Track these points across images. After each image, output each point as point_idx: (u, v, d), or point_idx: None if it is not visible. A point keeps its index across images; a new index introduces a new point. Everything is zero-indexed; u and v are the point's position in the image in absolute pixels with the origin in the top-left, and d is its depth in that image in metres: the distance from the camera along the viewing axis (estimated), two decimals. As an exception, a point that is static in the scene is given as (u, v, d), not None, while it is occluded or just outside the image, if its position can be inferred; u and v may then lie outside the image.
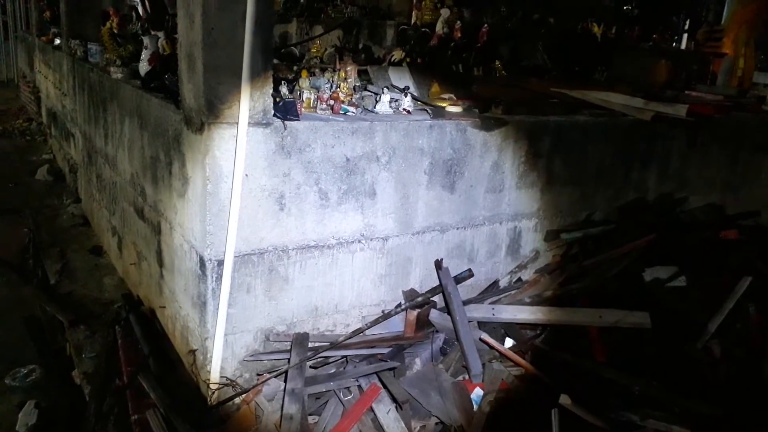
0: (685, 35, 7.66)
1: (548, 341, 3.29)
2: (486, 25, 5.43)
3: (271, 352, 3.03)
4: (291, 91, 3.26)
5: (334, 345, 3.04)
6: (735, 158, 4.64)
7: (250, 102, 2.65)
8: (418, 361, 3.11)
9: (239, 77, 2.64)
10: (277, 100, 2.91)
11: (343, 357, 3.13)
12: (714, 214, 4.43)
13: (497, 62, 5.29)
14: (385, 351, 3.12)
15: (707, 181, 4.54)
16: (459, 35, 5.40)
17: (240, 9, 2.58)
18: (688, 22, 7.62)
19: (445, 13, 5.65)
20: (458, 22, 5.55)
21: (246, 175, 2.72)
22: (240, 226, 2.76)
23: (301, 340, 3.02)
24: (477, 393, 2.95)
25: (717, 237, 3.86)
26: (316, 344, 3.08)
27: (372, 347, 3.13)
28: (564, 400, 2.68)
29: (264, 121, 2.75)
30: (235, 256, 2.78)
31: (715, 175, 4.57)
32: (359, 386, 2.92)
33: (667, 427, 2.60)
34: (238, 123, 2.66)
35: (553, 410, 2.68)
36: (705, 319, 3.17)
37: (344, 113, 3.20)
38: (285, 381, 2.84)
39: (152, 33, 4.13)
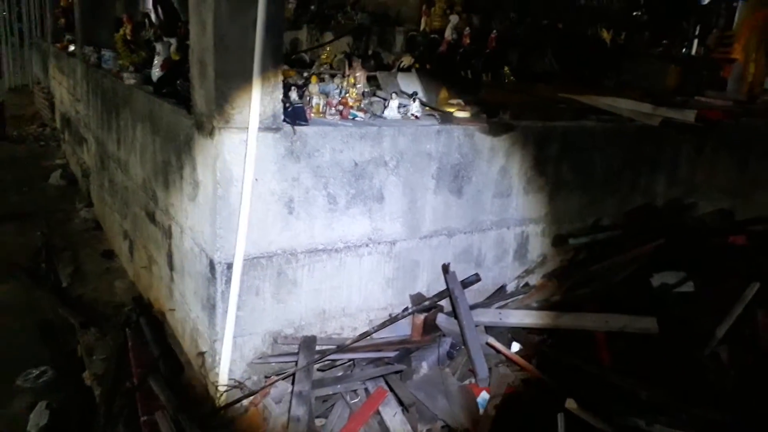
0: (695, 41, 7.64)
1: (555, 346, 3.29)
2: (495, 31, 5.46)
3: (279, 355, 3.06)
4: (300, 97, 3.30)
5: (342, 348, 3.06)
6: (744, 164, 4.63)
7: (260, 107, 2.69)
8: (424, 364, 3.12)
9: (250, 83, 2.68)
10: (287, 105, 2.95)
11: (350, 360, 3.15)
12: (723, 220, 4.42)
13: (506, 68, 5.32)
14: (392, 354, 3.14)
15: (716, 187, 4.52)
16: (468, 41, 5.44)
17: (251, 16, 2.62)
18: (698, 28, 7.60)
19: (454, 19, 5.69)
20: (467, 28, 5.59)
21: (256, 179, 2.76)
22: (249, 229, 2.80)
23: (308, 343, 3.04)
24: (483, 397, 2.96)
25: (726, 243, 3.85)
26: (324, 347, 3.10)
27: (379, 351, 3.15)
28: (570, 404, 2.68)
29: (274, 126, 2.79)
30: (244, 260, 2.81)
31: (724, 180, 4.56)
32: (366, 389, 2.94)
33: (673, 432, 2.60)
34: (248, 128, 2.70)
35: (558, 414, 2.68)
36: (713, 325, 3.15)
37: (353, 118, 3.23)
38: (292, 383, 2.86)
39: (164, 39, 4.20)
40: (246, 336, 2.95)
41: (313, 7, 7.99)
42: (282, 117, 2.84)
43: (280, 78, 2.80)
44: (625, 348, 3.15)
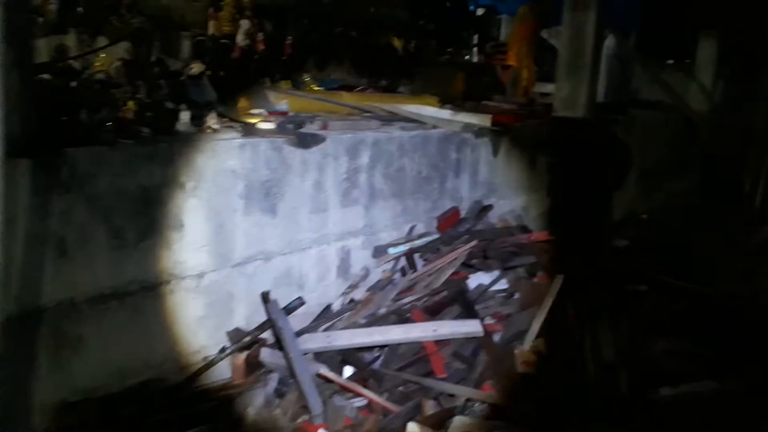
0: (475, 49, 8.22)
1: (387, 363, 3.14)
2: (290, 37, 5.24)
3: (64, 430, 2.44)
4: (69, 112, 2.71)
5: (146, 410, 2.55)
6: (533, 162, 4.99)
7: (4, 128, 2.08)
8: (250, 410, 2.75)
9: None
10: (48, 123, 2.37)
11: (159, 422, 2.64)
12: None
13: (306, 75, 5.12)
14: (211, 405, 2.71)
15: (511, 186, 4.80)
16: (262, 47, 5.14)
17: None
18: (476, 37, 8.19)
19: (245, 24, 5.35)
20: (260, 33, 5.28)
21: (7, 219, 2.14)
22: (5, 282, 2.17)
23: (99, 409, 2.48)
24: (320, 435, 2.68)
25: (529, 240, 4.07)
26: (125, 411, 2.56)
27: (193, 404, 2.70)
28: (411, 428, 2.53)
29: (29, 150, 2.20)
30: (1, 321, 2.17)
31: (517, 179, 4.85)
32: (181, 456, 2.49)
33: None
34: (-10, 154, 2.08)
35: (401, 440, 2.53)
36: (529, 320, 3.26)
37: (135, 135, 2.73)
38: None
39: None
40: (13, 416, 2.30)
41: (80, 9, 6.98)
42: (39, 138, 2.26)
43: (32, 91, 2.22)
44: (456, 353, 3.11)
